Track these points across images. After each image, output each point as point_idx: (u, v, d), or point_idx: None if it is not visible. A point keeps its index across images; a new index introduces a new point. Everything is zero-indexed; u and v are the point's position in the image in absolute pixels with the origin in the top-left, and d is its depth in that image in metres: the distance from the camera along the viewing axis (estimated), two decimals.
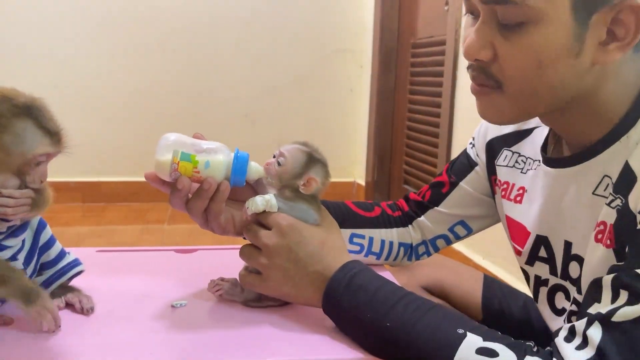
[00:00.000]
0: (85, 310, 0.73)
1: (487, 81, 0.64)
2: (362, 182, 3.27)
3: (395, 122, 3.04)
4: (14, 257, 0.70)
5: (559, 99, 0.63)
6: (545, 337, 0.77)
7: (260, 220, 0.74)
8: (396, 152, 3.03)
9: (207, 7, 3.15)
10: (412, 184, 2.81)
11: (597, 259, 0.61)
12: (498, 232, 0.93)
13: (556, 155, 0.73)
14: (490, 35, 0.61)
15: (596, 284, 0.57)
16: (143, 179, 2.80)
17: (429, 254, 0.95)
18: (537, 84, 0.61)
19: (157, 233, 2.64)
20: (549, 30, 0.58)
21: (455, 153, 2.11)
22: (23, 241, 0.71)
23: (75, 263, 0.77)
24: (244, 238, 0.76)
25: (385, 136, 3.09)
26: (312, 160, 0.73)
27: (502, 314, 1.01)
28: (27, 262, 0.72)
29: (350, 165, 3.39)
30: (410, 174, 2.82)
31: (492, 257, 1.89)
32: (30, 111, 0.64)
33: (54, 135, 0.65)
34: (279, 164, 0.73)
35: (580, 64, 0.60)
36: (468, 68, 0.66)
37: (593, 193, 0.64)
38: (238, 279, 0.77)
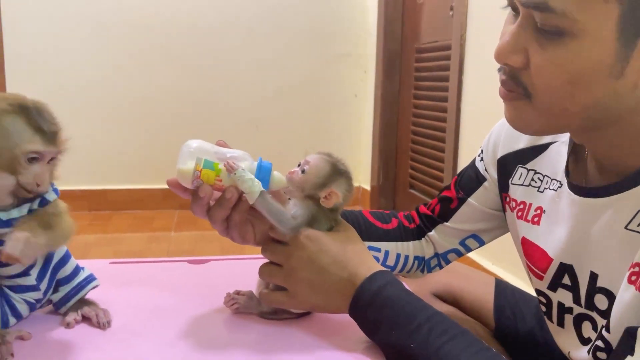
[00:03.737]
0: (102, 325, 0.73)
1: (516, 88, 0.60)
2: (367, 187, 3.27)
3: (400, 127, 3.04)
4: (26, 272, 0.70)
5: (594, 120, 0.59)
6: (556, 345, 0.77)
7: (275, 236, 0.73)
8: (401, 156, 3.03)
9: (212, 13, 3.16)
10: (418, 189, 2.81)
11: (629, 301, 0.57)
12: (507, 238, 0.92)
13: (580, 178, 0.69)
14: (525, 41, 0.57)
15: (630, 334, 0.53)
16: (148, 187, 2.85)
17: (440, 267, 0.94)
18: (569, 102, 0.57)
19: (164, 241, 2.64)
20: (588, 46, 0.53)
21: (462, 158, 2.11)
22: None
23: (91, 278, 0.77)
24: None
25: (390, 140, 3.09)
26: (336, 172, 0.72)
27: (514, 320, 1.01)
28: (40, 278, 0.72)
29: (355, 170, 3.38)
30: (416, 179, 2.81)
31: (502, 262, 1.89)
32: (22, 109, 0.64)
33: (45, 134, 0.64)
34: (302, 172, 0.71)
35: (620, 86, 0.55)
36: (498, 70, 0.62)
37: (626, 227, 0.60)
38: (257, 295, 0.76)
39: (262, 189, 0.68)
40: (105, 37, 3.07)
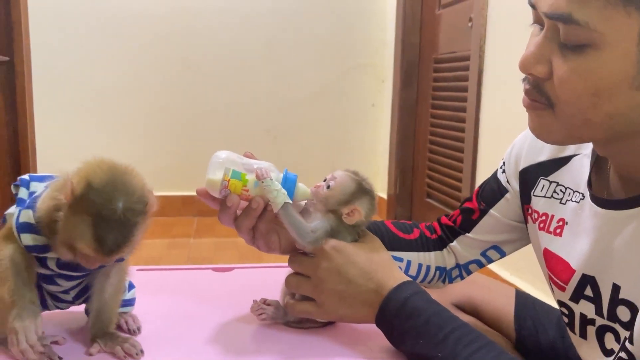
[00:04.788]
0: (132, 331, 0.75)
1: (539, 98, 0.61)
2: (384, 196, 3.28)
3: (417, 136, 3.05)
4: (65, 292, 0.73)
5: (616, 131, 0.59)
6: (578, 357, 0.77)
7: (299, 247, 0.75)
8: (418, 165, 3.04)
9: (231, 23, 3.20)
10: (436, 198, 2.81)
11: None
12: (526, 249, 0.92)
13: (602, 190, 0.70)
14: (550, 51, 0.58)
15: None
16: (168, 194, 2.89)
17: (461, 278, 0.95)
18: (591, 112, 0.58)
19: (184, 247, 2.67)
20: (610, 58, 0.54)
21: (480, 168, 2.11)
22: (80, 282, 0.73)
23: (127, 303, 0.78)
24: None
25: (407, 150, 3.10)
26: (361, 190, 0.74)
27: (535, 331, 1.01)
28: (77, 297, 0.74)
29: (372, 179, 3.35)
30: (434, 188, 2.82)
31: (520, 273, 1.89)
32: (98, 215, 0.60)
33: (104, 246, 0.61)
34: (328, 187, 0.73)
35: None
36: (522, 80, 0.63)
37: None
38: (282, 304, 0.78)
39: (288, 200, 0.70)
40: (127, 48, 3.13)
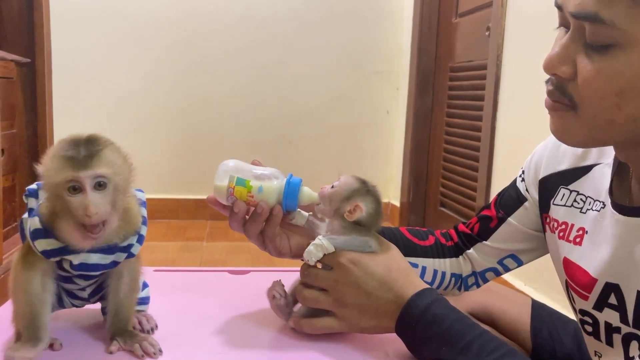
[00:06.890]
0: (146, 331, 0.75)
1: (562, 99, 0.61)
2: (397, 203, 3.27)
3: (431, 144, 3.05)
4: (82, 289, 0.73)
5: (637, 134, 0.59)
6: None
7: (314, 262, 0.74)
8: (432, 173, 3.03)
9: (248, 29, 3.23)
10: (449, 207, 2.80)
11: None
12: (541, 259, 0.92)
13: (624, 198, 0.69)
14: (575, 52, 0.58)
15: None
16: (182, 196, 2.91)
17: (478, 286, 0.94)
18: (614, 114, 0.58)
19: (197, 250, 2.68)
20: (636, 58, 0.54)
21: (496, 178, 2.11)
22: (95, 281, 0.74)
23: (142, 302, 0.78)
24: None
25: (421, 157, 3.10)
26: (364, 189, 0.74)
27: (552, 342, 1.00)
28: (92, 295, 0.75)
29: (386, 186, 3.39)
30: (447, 197, 2.81)
31: (534, 283, 1.87)
32: (62, 144, 0.62)
33: (75, 160, 0.60)
34: (332, 187, 0.75)
35: None
36: (546, 82, 0.63)
37: None
38: (293, 322, 0.77)
39: (330, 246, 0.72)
40: (145, 52, 3.16)
